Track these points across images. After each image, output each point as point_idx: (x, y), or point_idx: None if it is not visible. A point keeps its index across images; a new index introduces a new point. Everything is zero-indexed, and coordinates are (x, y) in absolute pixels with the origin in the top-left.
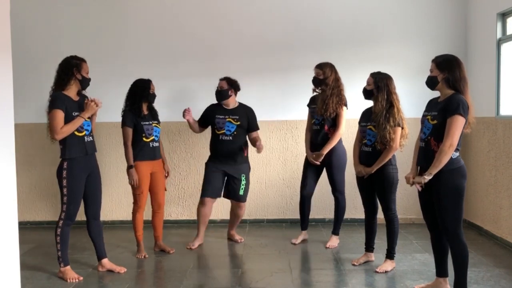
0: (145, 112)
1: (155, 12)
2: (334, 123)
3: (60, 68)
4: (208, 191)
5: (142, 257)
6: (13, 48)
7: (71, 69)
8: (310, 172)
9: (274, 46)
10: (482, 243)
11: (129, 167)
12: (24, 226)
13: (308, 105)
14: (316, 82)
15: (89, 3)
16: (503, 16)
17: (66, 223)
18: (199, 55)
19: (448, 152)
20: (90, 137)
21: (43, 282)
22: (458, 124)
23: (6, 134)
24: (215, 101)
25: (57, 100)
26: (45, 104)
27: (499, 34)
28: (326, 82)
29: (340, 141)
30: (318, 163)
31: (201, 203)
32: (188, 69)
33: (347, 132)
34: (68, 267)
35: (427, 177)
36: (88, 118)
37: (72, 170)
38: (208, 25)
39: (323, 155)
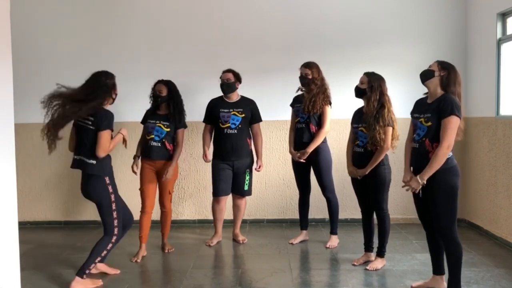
0: (157, 111)
1: (155, 12)
2: (320, 122)
3: (99, 88)
4: (221, 191)
5: (134, 261)
6: (14, 48)
7: (111, 91)
8: (299, 173)
9: (274, 46)
10: (482, 243)
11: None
12: (24, 226)
13: (292, 105)
14: (306, 81)
15: (90, 3)
16: (503, 16)
17: (118, 239)
18: (199, 55)
19: (446, 153)
20: None
21: (43, 282)
22: (453, 125)
23: (6, 134)
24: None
25: (111, 120)
26: None
27: (499, 34)
28: (315, 82)
29: (325, 140)
30: (303, 160)
31: (216, 201)
32: (188, 69)
33: (340, 132)
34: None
35: (422, 181)
36: None
37: (113, 184)
38: (208, 25)
39: (308, 153)
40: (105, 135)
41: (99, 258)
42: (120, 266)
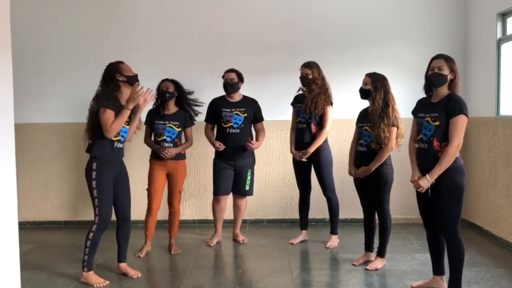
0: (164, 111)
1: (155, 13)
2: (321, 122)
3: (103, 78)
4: (222, 190)
5: (137, 255)
6: (13, 48)
7: (113, 75)
8: (300, 172)
9: (274, 47)
10: (482, 243)
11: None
12: (24, 226)
13: (292, 104)
14: (306, 81)
15: (90, 3)
16: (503, 16)
17: (100, 227)
18: (199, 55)
19: (456, 151)
20: (121, 144)
21: (43, 282)
22: (462, 124)
23: (6, 134)
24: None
25: (106, 99)
26: (45, 104)
27: (499, 34)
28: (316, 82)
29: (326, 140)
30: (304, 160)
31: (216, 201)
32: (188, 69)
33: (340, 132)
34: (92, 272)
35: (431, 180)
36: (127, 124)
37: (101, 171)
38: (208, 25)
39: (310, 153)
40: (102, 114)
41: (88, 248)
42: None
